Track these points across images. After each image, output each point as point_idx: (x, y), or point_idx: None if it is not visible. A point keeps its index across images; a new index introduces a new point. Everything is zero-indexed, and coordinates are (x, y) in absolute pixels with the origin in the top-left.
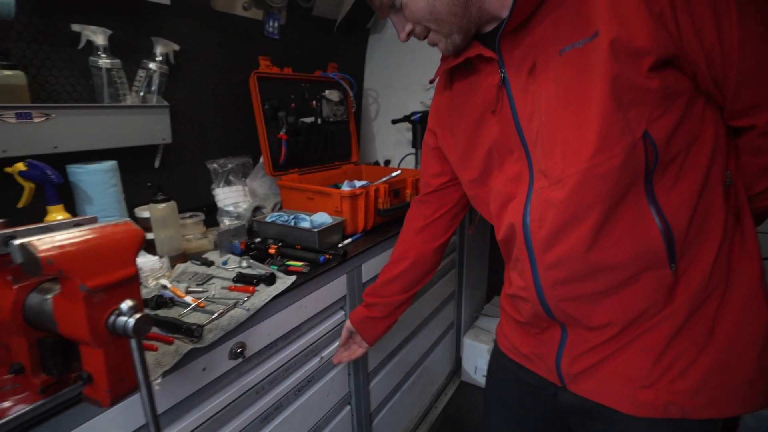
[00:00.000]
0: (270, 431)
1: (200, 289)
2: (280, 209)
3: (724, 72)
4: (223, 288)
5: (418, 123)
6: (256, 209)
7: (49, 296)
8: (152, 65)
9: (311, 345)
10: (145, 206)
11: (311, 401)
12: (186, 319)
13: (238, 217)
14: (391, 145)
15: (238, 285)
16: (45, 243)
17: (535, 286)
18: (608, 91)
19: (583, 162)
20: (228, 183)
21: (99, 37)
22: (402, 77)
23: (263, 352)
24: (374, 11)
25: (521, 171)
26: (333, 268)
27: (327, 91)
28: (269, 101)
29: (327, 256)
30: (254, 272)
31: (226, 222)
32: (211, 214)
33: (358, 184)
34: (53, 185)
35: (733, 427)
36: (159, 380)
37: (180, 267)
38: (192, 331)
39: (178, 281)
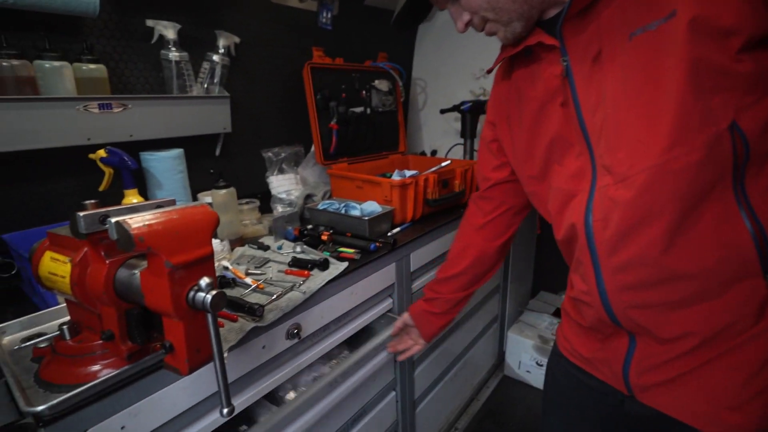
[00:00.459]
0: (320, 409)
1: (258, 272)
2: (329, 197)
3: None
4: (279, 271)
5: (468, 112)
6: (308, 197)
7: (137, 271)
8: (216, 57)
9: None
10: (208, 192)
11: (359, 384)
12: (247, 300)
13: (290, 204)
14: (438, 135)
15: (294, 269)
16: (136, 222)
17: (598, 291)
18: (686, 77)
19: (653, 157)
20: (281, 171)
21: (170, 31)
22: (451, 66)
23: (317, 334)
24: (432, 4)
25: (583, 167)
26: (383, 256)
27: (376, 81)
28: (321, 91)
29: (377, 244)
30: (308, 257)
31: (279, 209)
32: (265, 201)
33: (408, 173)
34: (129, 171)
35: None
36: (226, 354)
37: (239, 250)
38: (254, 311)
39: (237, 263)
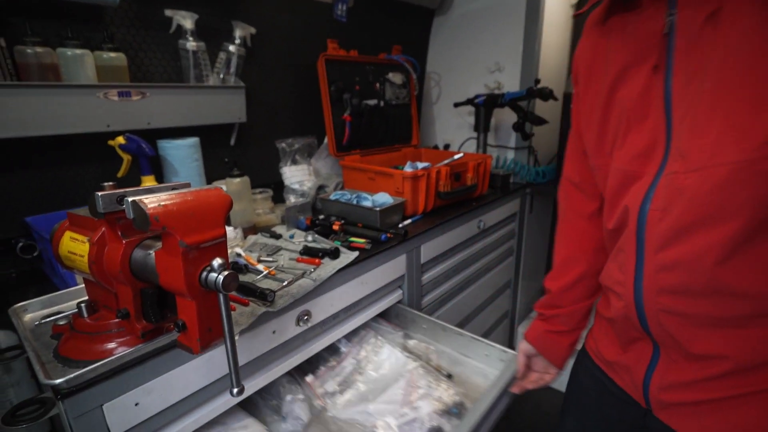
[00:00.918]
0: None
1: (270, 259)
2: (341, 189)
3: None
4: (290, 259)
5: (482, 106)
6: (320, 188)
7: (152, 251)
8: (232, 48)
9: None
10: (222, 180)
11: None
12: (259, 285)
13: (302, 194)
14: (451, 129)
15: (305, 257)
16: (152, 201)
17: (634, 286)
18: None
19: (746, 151)
20: (294, 162)
21: (187, 21)
22: (466, 60)
23: (326, 322)
24: None
25: (653, 147)
26: (393, 247)
27: (390, 74)
28: (335, 83)
29: (388, 235)
30: (319, 246)
31: (292, 199)
32: (277, 191)
33: (420, 165)
34: (147, 157)
35: None
36: (237, 337)
37: (251, 238)
38: (266, 296)
39: (250, 251)
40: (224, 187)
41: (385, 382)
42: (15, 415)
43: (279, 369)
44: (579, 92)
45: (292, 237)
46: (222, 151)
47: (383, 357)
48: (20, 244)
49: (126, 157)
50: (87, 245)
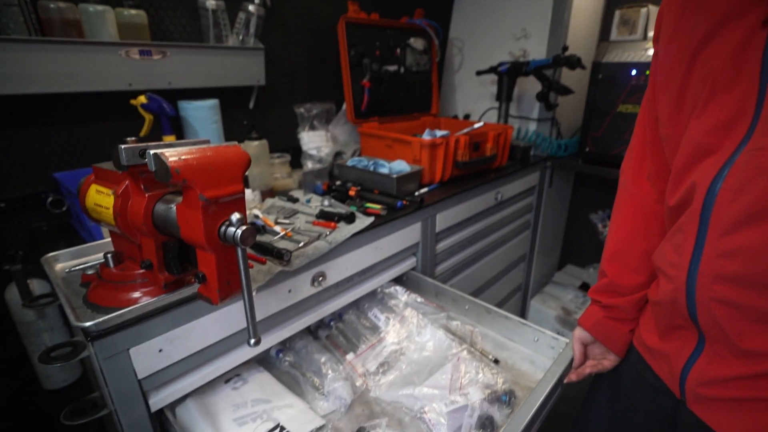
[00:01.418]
0: None
1: (287, 221)
2: (359, 155)
3: None
4: (307, 222)
5: (505, 74)
6: (337, 154)
7: (173, 205)
8: (251, 7)
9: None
10: (241, 143)
11: None
12: (276, 245)
13: (320, 160)
14: (472, 99)
15: (321, 220)
16: (173, 155)
17: (689, 270)
18: None
19: None
20: (312, 128)
21: None
22: (491, 26)
23: (341, 284)
24: None
25: (739, 117)
26: (409, 214)
27: (412, 39)
28: (355, 47)
29: (404, 202)
30: (335, 210)
31: (309, 164)
32: (295, 156)
33: (439, 133)
34: (168, 117)
35: None
36: (254, 293)
37: (269, 201)
38: (282, 255)
39: (267, 213)
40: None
41: (429, 365)
42: (49, 356)
43: (294, 326)
44: (659, 51)
45: (308, 201)
46: (241, 114)
47: (426, 338)
48: (50, 199)
49: (148, 117)
50: (112, 198)
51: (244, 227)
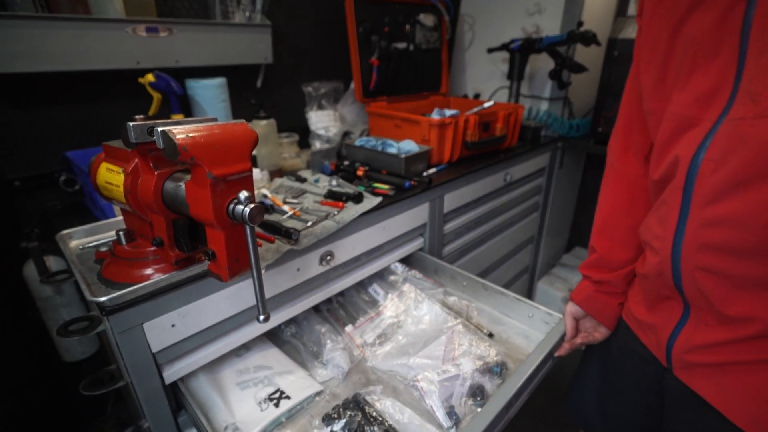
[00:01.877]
0: None
1: (295, 201)
2: (367, 135)
3: None
4: (315, 202)
5: (517, 52)
6: (345, 134)
7: (182, 183)
8: None
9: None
10: (249, 122)
11: None
12: (284, 224)
13: (328, 140)
14: (482, 78)
15: (329, 200)
16: (180, 132)
17: (673, 241)
18: None
19: None
20: (320, 107)
21: None
22: (503, 1)
23: (348, 264)
24: None
25: (719, 88)
26: (417, 195)
27: (422, 15)
28: (363, 24)
29: (412, 182)
30: (343, 190)
31: (317, 144)
32: (303, 136)
33: (448, 113)
34: (176, 96)
35: None
36: (263, 271)
37: (277, 181)
38: (290, 234)
39: (276, 192)
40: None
41: (425, 337)
42: (67, 329)
43: (303, 304)
44: (642, 26)
45: (316, 181)
46: (248, 93)
47: (423, 312)
48: (62, 178)
49: (156, 96)
50: (122, 176)
51: (252, 205)
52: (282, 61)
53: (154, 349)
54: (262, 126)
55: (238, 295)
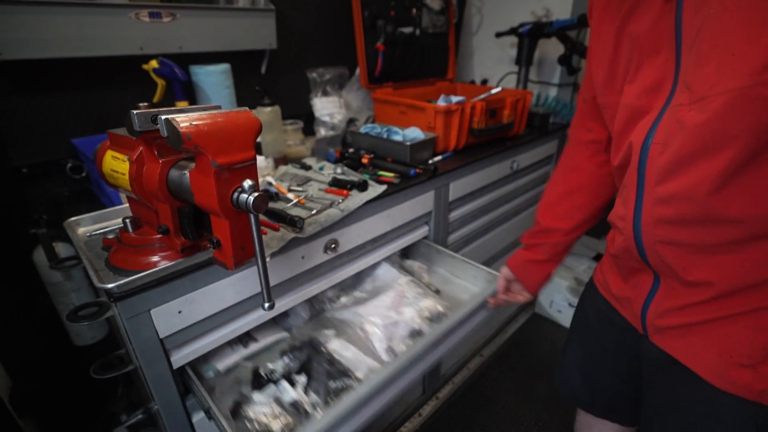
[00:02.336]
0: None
1: (300, 189)
2: (372, 122)
3: None
4: (319, 190)
5: (526, 36)
6: (350, 121)
7: (187, 171)
8: None
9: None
10: (253, 109)
11: None
12: (289, 212)
13: (333, 127)
14: (490, 63)
15: (334, 188)
16: (184, 120)
17: (633, 219)
18: None
19: (742, 77)
20: (325, 93)
21: None
22: None
23: (353, 252)
24: None
25: (663, 80)
26: (422, 183)
27: None
28: (369, 8)
29: (417, 170)
30: (348, 178)
31: (322, 131)
32: (308, 123)
33: (454, 99)
34: (180, 83)
35: None
36: (268, 259)
37: (282, 168)
38: (295, 222)
39: (280, 180)
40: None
41: (377, 292)
42: (77, 315)
43: (307, 292)
44: (593, 27)
45: (321, 169)
46: (253, 80)
47: (380, 272)
48: (69, 165)
49: (160, 82)
50: (127, 164)
51: (256, 194)
52: (286, 47)
53: (162, 335)
54: (267, 113)
55: (243, 282)
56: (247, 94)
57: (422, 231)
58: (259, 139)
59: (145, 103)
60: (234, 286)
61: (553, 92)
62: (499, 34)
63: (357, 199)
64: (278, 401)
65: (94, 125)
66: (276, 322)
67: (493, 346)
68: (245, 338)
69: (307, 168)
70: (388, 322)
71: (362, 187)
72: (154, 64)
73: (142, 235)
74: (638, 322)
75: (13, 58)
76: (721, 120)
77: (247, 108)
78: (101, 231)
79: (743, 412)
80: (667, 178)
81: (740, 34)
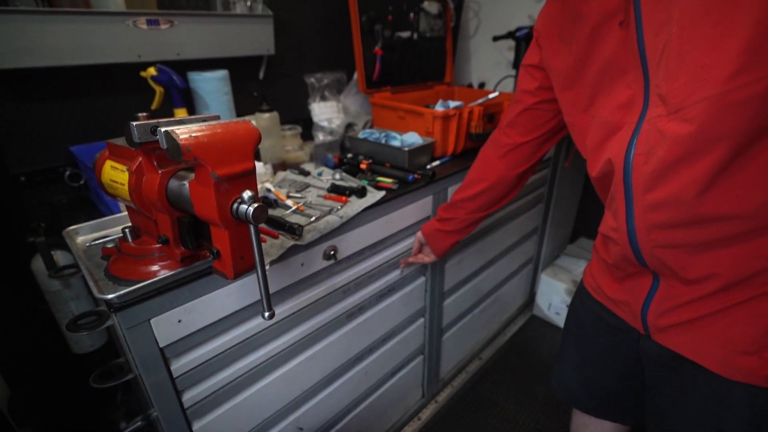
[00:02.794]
0: (353, 327)
1: (299, 195)
2: (371, 127)
3: None
4: (318, 196)
5: (523, 40)
6: (349, 126)
7: (186, 182)
8: None
9: (395, 257)
10: (251, 115)
11: (390, 308)
12: (288, 220)
13: (331, 132)
14: (488, 66)
15: (332, 194)
16: (184, 132)
17: (627, 229)
18: None
19: (716, 85)
20: (323, 98)
21: None
22: None
23: (352, 258)
24: None
25: (635, 96)
26: (420, 188)
27: (426, 2)
28: (367, 12)
29: (416, 176)
30: (347, 184)
31: (321, 137)
32: (306, 128)
33: (452, 104)
34: (178, 89)
35: None
36: (267, 267)
37: (281, 174)
38: (294, 230)
39: (279, 186)
40: (254, 122)
41: None
42: (76, 324)
43: (307, 299)
44: (545, 55)
45: (320, 175)
46: (251, 85)
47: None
48: (68, 173)
49: (159, 89)
50: (126, 174)
51: (255, 205)
52: (284, 52)
53: (162, 344)
54: (265, 119)
55: (242, 291)
56: (245, 99)
57: None
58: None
59: (144, 113)
60: (233, 295)
61: None
62: (496, 38)
63: (356, 205)
64: None
65: (93, 133)
66: None
67: (492, 349)
68: None
69: (306, 174)
70: None
71: (361, 193)
72: (152, 71)
73: (142, 245)
74: (638, 322)
75: (11, 66)
76: (703, 126)
77: (248, 117)
78: (100, 240)
79: (753, 399)
80: (654, 185)
81: (705, 48)
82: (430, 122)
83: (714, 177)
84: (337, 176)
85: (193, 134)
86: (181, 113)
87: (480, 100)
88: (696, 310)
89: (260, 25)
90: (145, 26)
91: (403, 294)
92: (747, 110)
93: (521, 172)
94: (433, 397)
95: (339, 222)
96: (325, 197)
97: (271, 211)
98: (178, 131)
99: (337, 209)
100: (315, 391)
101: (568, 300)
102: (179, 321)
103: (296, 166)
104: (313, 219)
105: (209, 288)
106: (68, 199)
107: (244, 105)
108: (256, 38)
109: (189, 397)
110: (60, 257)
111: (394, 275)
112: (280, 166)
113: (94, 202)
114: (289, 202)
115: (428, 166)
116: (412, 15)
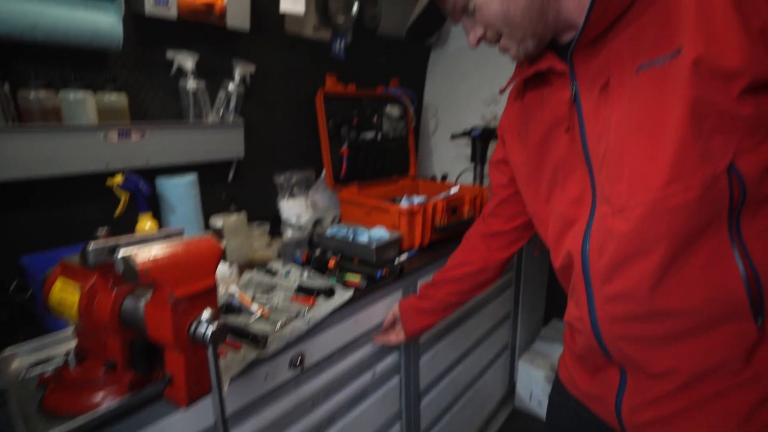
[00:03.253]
0: None
1: (265, 298)
2: (339, 222)
3: None
4: (285, 299)
5: (478, 139)
6: (317, 222)
7: (142, 302)
8: (231, 86)
9: (365, 359)
10: (219, 215)
11: (363, 415)
12: (252, 328)
13: (300, 228)
14: (448, 160)
15: (300, 296)
16: (142, 256)
17: (590, 318)
18: (687, 116)
19: (651, 192)
20: (292, 195)
21: (188, 62)
22: (462, 92)
23: (320, 364)
24: (445, 17)
25: (584, 193)
26: (389, 284)
27: (388, 107)
28: (333, 117)
29: (384, 272)
30: (314, 284)
31: (290, 233)
32: (275, 223)
33: (416, 200)
34: (144, 195)
35: None
36: (226, 387)
37: (246, 276)
38: (258, 341)
39: (245, 288)
40: (221, 223)
41: None
42: None
43: (272, 414)
44: (508, 151)
45: (287, 274)
46: (220, 187)
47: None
48: (13, 285)
49: (124, 196)
50: (77, 295)
51: (215, 325)
52: (255, 154)
53: None
54: (233, 220)
55: (197, 414)
56: (214, 200)
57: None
58: (223, 244)
59: (105, 229)
60: (188, 420)
61: None
62: (454, 136)
63: (323, 308)
64: None
65: (50, 240)
66: None
67: None
68: None
69: (273, 273)
70: None
71: (329, 294)
72: (119, 179)
73: (85, 371)
74: (614, 419)
75: None
76: (643, 226)
77: (215, 220)
78: (39, 370)
79: None
80: (610, 279)
81: (641, 158)
82: (396, 218)
83: (663, 273)
84: (305, 275)
85: (152, 257)
86: (145, 218)
87: (442, 195)
88: (667, 406)
89: (231, 133)
90: (116, 139)
91: (376, 398)
92: (681, 214)
93: (506, 257)
94: None
95: (306, 327)
96: (292, 299)
97: (234, 318)
98: (136, 255)
99: (305, 313)
100: None
101: (549, 388)
102: None
103: (263, 265)
104: (278, 326)
105: (161, 413)
106: (9, 314)
107: (212, 206)
108: (227, 144)
109: None
110: None
111: (366, 378)
112: (246, 265)
113: (39, 315)
114: (254, 307)
115: (396, 261)
116: (375, 118)
